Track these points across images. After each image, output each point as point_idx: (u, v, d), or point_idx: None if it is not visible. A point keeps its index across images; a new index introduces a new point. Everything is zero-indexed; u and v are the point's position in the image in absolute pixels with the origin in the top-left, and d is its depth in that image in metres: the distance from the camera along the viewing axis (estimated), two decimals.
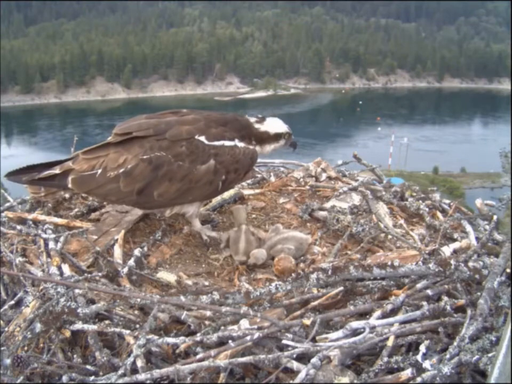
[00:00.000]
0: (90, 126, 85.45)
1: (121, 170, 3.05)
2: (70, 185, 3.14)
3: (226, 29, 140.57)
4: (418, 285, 2.63)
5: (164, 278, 2.95)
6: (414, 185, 4.44)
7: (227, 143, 3.18)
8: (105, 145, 3.19)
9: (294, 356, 2.14)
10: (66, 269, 2.86)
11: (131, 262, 2.95)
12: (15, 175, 3.26)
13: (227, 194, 3.91)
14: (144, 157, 3.05)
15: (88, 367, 2.26)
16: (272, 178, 4.46)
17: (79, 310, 2.38)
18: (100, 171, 3.08)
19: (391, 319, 2.37)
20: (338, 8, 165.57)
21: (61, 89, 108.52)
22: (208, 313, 2.41)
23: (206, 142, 3.12)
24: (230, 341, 2.18)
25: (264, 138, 3.38)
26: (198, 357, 2.14)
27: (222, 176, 3.17)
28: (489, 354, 2.17)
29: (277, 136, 3.42)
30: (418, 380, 2.07)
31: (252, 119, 3.40)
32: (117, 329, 2.34)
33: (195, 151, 3.09)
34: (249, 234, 3.30)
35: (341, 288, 2.55)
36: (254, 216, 3.80)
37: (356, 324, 2.26)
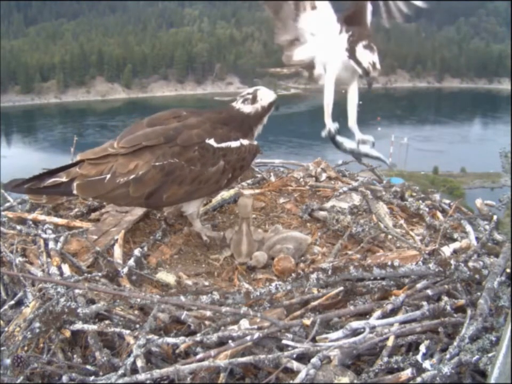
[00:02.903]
0: (84, 125, 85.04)
1: (132, 176, 3.00)
2: (75, 191, 3.04)
3: (226, 29, 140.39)
4: (418, 285, 2.63)
5: (163, 278, 2.95)
6: (414, 185, 4.45)
7: (233, 143, 3.22)
8: (113, 154, 3.07)
9: (294, 355, 2.14)
10: (66, 269, 2.86)
11: (131, 262, 2.96)
12: (15, 186, 3.14)
13: (227, 194, 3.92)
14: (157, 163, 3.01)
15: (88, 367, 2.26)
16: (272, 178, 4.46)
17: (79, 310, 2.38)
18: (108, 176, 3.01)
19: (391, 319, 2.37)
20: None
21: (61, 89, 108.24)
22: (208, 313, 2.41)
23: (215, 144, 3.14)
24: (230, 341, 2.18)
25: (261, 114, 3.39)
26: (198, 357, 2.14)
27: (228, 174, 3.23)
28: (489, 354, 2.17)
29: (270, 106, 3.41)
30: (418, 380, 2.07)
31: (245, 106, 3.37)
32: (117, 329, 2.34)
33: (206, 154, 3.11)
34: (250, 236, 3.30)
35: (341, 288, 2.55)
36: (254, 216, 3.80)
37: (356, 324, 2.26)
